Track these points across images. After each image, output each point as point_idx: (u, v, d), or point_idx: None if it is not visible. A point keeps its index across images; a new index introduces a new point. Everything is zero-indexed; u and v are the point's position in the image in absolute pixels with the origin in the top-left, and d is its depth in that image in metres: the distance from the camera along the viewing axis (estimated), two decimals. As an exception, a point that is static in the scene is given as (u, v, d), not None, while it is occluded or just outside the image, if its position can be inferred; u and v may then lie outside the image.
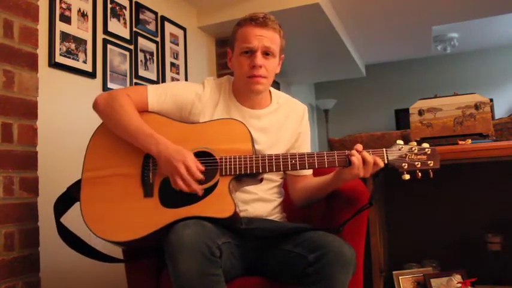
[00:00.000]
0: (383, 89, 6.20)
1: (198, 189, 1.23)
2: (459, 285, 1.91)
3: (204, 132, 1.35)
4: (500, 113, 5.46)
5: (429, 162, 1.29)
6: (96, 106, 1.39)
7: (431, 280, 1.98)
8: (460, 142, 1.93)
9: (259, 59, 1.38)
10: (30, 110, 1.86)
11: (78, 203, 1.33)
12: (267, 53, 1.39)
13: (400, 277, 2.06)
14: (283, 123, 1.50)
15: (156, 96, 1.41)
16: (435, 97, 2.15)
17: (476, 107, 2.03)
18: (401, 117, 5.96)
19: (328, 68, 5.27)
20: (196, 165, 1.24)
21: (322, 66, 5.25)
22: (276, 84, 4.86)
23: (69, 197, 1.41)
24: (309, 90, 6.51)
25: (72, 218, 1.41)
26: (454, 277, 1.95)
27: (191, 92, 1.45)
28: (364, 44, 4.87)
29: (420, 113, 2.11)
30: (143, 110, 1.39)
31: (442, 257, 2.19)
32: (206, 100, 1.44)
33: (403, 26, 4.34)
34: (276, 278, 1.32)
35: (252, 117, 1.46)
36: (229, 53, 1.49)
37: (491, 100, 5.42)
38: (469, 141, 1.92)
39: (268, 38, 1.39)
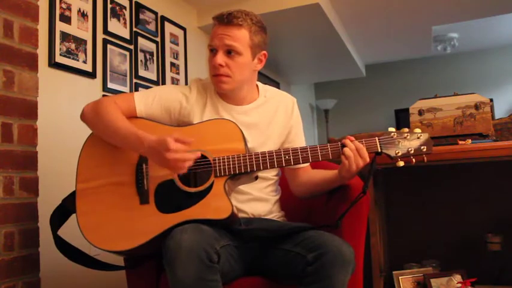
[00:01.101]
0: (383, 89, 6.19)
1: (195, 156, 1.21)
2: (459, 285, 1.91)
3: (195, 134, 1.34)
4: (500, 113, 5.46)
5: (422, 147, 1.29)
6: (83, 116, 1.39)
7: (431, 280, 1.98)
8: (460, 142, 1.93)
9: (219, 57, 1.36)
10: (30, 110, 1.86)
11: (75, 215, 1.33)
12: (229, 52, 1.37)
13: (400, 277, 2.06)
14: (273, 117, 1.49)
15: (143, 101, 1.41)
16: (435, 97, 2.15)
17: (476, 107, 2.03)
18: (401, 117, 5.95)
19: (328, 68, 5.27)
20: (183, 142, 1.20)
21: (322, 66, 5.24)
22: (275, 84, 4.86)
23: (64, 210, 1.40)
24: (309, 90, 6.50)
25: (71, 229, 1.40)
26: (454, 277, 1.95)
27: (178, 94, 1.44)
28: (364, 44, 4.87)
29: (420, 113, 2.11)
30: (132, 116, 1.39)
31: (442, 257, 2.19)
32: (194, 102, 1.44)
33: (403, 26, 4.34)
34: (276, 278, 1.32)
35: (240, 113, 1.45)
36: None
37: (491, 100, 5.42)
38: (469, 141, 1.92)
39: (230, 36, 1.36)
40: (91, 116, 1.37)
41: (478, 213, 2.22)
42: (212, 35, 1.40)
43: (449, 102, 2.08)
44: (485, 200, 2.21)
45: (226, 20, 1.37)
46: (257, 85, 1.52)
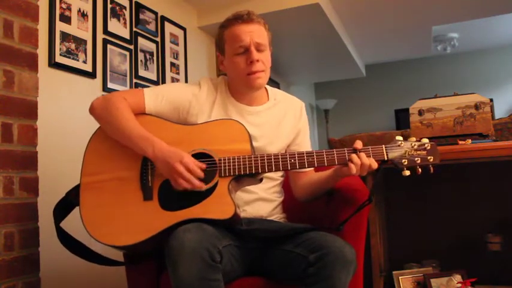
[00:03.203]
0: (383, 89, 6.20)
1: (200, 184, 1.23)
2: (459, 285, 1.91)
3: (202, 133, 1.35)
4: (500, 113, 5.46)
5: (429, 157, 1.28)
6: (92, 110, 1.39)
7: (431, 280, 1.98)
8: (460, 142, 1.93)
9: (255, 54, 1.38)
10: (30, 110, 1.86)
11: (78, 208, 1.33)
12: (259, 48, 1.39)
13: (400, 277, 2.06)
14: (282, 120, 1.50)
15: (153, 98, 1.41)
16: (435, 97, 2.15)
17: (476, 107, 2.03)
18: (401, 117, 5.96)
19: (328, 68, 5.27)
20: (194, 163, 1.24)
21: (322, 66, 5.25)
22: (275, 84, 4.86)
23: (68, 203, 1.41)
24: (309, 90, 6.51)
25: (73, 223, 1.41)
26: (454, 277, 1.95)
27: (188, 93, 1.44)
28: (364, 44, 4.87)
29: (420, 113, 2.11)
30: (140, 113, 1.39)
31: (442, 257, 2.19)
32: (203, 100, 1.44)
33: (403, 26, 4.34)
34: (277, 279, 1.32)
35: (250, 113, 1.46)
36: (219, 57, 1.49)
37: (491, 100, 5.42)
38: (469, 141, 1.92)
39: (256, 32, 1.40)
40: (100, 110, 1.37)
41: (478, 213, 2.22)
42: (238, 35, 1.39)
43: (449, 102, 2.08)
44: (485, 200, 2.22)
45: (247, 18, 1.40)
46: (265, 88, 1.53)
